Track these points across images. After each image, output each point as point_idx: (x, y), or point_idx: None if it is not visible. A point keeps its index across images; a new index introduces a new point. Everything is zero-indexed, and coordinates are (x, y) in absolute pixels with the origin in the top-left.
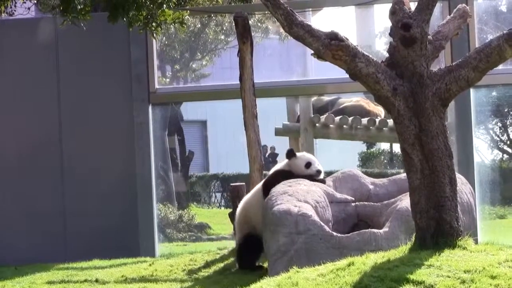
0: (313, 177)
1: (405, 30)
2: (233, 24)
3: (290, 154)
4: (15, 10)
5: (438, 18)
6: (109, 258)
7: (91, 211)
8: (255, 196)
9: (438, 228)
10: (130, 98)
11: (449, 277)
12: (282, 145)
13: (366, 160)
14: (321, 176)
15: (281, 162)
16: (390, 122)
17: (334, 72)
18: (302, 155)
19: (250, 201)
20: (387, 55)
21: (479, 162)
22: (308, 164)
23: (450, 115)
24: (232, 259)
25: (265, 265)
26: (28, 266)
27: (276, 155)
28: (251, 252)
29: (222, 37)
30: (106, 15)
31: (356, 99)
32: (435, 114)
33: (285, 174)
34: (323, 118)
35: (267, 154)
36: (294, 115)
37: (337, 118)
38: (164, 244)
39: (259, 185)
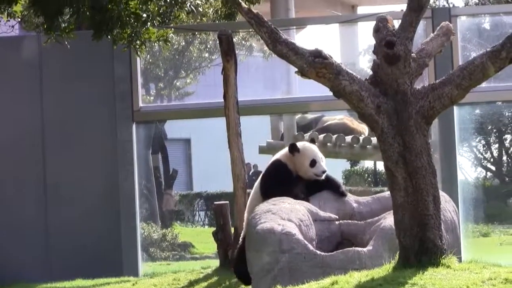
0: (316, 177)
1: (388, 47)
2: (217, 42)
3: (293, 148)
4: None
5: (421, 35)
6: (92, 277)
7: (74, 230)
8: (254, 195)
9: (421, 247)
10: (114, 116)
11: None
12: (265, 163)
13: (349, 178)
14: (323, 177)
15: (283, 151)
16: (374, 140)
17: (318, 89)
18: (306, 149)
19: (251, 202)
20: (371, 72)
21: (462, 180)
22: (313, 162)
23: (434, 133)
24: (216, 278)
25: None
26: (11, 286)
27: (260, 172)
28: None
29: (206, 55)
30: (90, 33)
31: (340, 117)
32: (419, 132)
33: (283, 170)
34: (307, 136)
35: (250, 172)
36: (278, 133)
37: (321, 136)
38: (147, 263)
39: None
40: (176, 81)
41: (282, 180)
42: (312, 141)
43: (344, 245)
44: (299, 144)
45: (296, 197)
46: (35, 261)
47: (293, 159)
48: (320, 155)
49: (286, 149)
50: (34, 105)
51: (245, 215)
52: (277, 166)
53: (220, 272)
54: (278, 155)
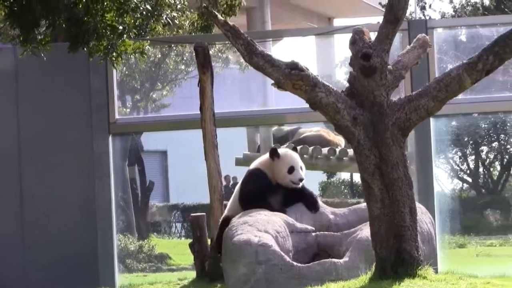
0: (293, 184)
1: (365, 60)
2: (194, 54)
3: (274, 153)
4: None
5: (398, 47)
6: None
7: (50, 241)
8: (232, 202)
9: (398, 258)
10: (90, 128)
11: None
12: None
13: (326, 190)
14: (300, 185)
15: (263, 157)
16: (351, 152)
17: (294, 102)
18: (286, 155)
19: (230, 209)
20: (347, 84)
21: (439, 191)
22: (291, 169)
23: (410, 145)
24: None
25: None
26: None
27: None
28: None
29: (183, 67)
30: (67, 45)
31: (316, 129)
32: (395, 144)
33: (262, 178)
34: (283, 148)
35: (230, 184)
36: (255, 145)
37: (298, 148)
38: (124, 275)
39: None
40: (152, 93)
41: (260, 188)
42: (294, 149)
43: (321, 257)
44: (280, 151)
45: (272, 207)
46: (13, 273)
47: (272, 165)
48: (299, 163)
49: (265, 157)
50: (10, 117)
51: (222, 217)
52: (256, 174)
53: (197, 283)
54: (257, 162)
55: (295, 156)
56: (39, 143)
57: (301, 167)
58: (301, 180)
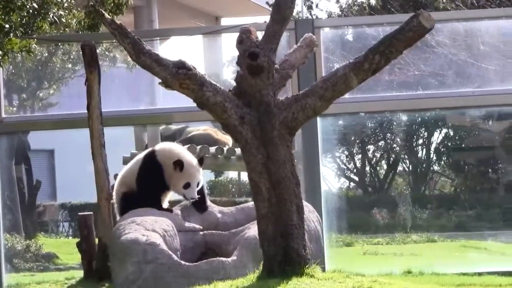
0: (185, 199)
1: (252, 59)
2: (81, 52)
3: (178, 165)
4: None
5: (285, 47)
6: None
7: None
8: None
9: (285, 256)
10: None
11: None
12: None
13: (214, 189)
14: (190, 202)
15: (163, 148)
16: (238, 150)
17: (182, 101)
18: (187, 170)
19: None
20: (234, 84)
21: (326, 190)
22: (187, 185)
23: (297, 144)
24: None
25: None
26: None
27: None
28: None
29: (70, 65)
30: None
31: (204, 127)
32: (282, 143)
33: (157, 174)
34: None
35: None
36: (142, 144)
37: (185, 147)
38: (11, 275)
39: (139, 158)
40: (39, 92)
41: (156, 187)
42: (201, 160)
43: (209, 255)
44: (186, 163)
45: (161, 207)
46: None
47: (172, 171)
48: (197, 179)
49: (168, 146)
50: None
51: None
52: (155, 168)
53: (84, 282)
54: (160, 150)
55: (196, 172)
56: None
57: (198, 183)
58: (193, 199)
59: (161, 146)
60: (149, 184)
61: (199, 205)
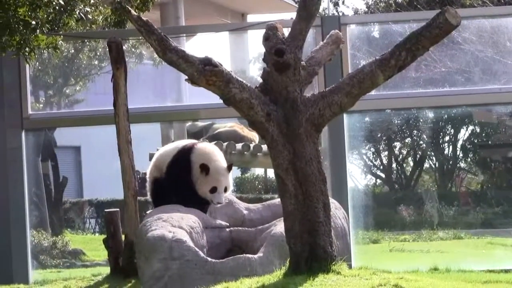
0: (211, 202)
1: (278, 56)
2: (107, 49)
3: (204, 169)
4: None
5: (311, 43)
6: None
7: None
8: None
9: (312, 253)
10: (3, 124)
11: None
12: None
13: (240, 185)
14: (217, 206)
15: (197, 146)
16: (264, 147)
17: (208, 97)
18: (213, 174)
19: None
20: (261, 80)
21: (352, 187)
22: (213, 190)
23: (324, 141)
24: (106, 285)
25: None
26: None
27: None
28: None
29: (96, 62)
30: None
31: (230, 124)
32: (309, 140)
33: (188, 180)
34: None
35: (138, 179)
36: (169, 140)
37: (212, 143)
38: (37, 271)
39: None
40: (65, 88)
41: (187, 181)
42: (230, 166)
43: (235, 252)
44: (211, 167)
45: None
46: None
47: (200, 174)
48: (223, 184)
49: (204, 148)
50: None
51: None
52: (184, 163)
53: (111, 279)
54: (197, 149)
55: (222, 177)
56: None
57: (226, 188)
58: (219, 203)
59: (199, 146)
60: (177, 179)
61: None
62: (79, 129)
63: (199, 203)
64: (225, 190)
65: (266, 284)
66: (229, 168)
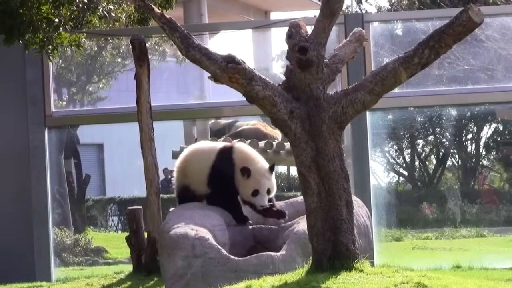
0: (254, 205)
1: (301, 53)
2: (130, 47)
3: (244, 171)
4: None
5: (334, 41)
6: (5, 282)
7: None
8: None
9: (334, 251)
10: (26, 121)
11: None
12: None
13: None
14: (262, 208)
15: (238, 149)
16: (287, 145)
17: (231, 95)
18: (255, 176)
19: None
20: (284, 78)
21: (375, 184)
22: (256, 193)
23: (347, 138)
24: (129, 283)
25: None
26: None
27: None
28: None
29: (119, 60)
30: (2, 38)
31: (253, 122)
32: (332, 137)
33: (230, 181)
34: (220, 141)
35: (169, 176)
36: (192, 138)
37: (234, 141)
38: (60, 269)
39: (213, 152)
40: (88, 86)
41: (228, 183)
42: (272, 167)
43: (257, 250)
44: (253, 169)
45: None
46: None
47: (239, 180)
48: (266, 186)
49: (244, 149)
50: None
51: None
52: (228, 166)
53: (133, 277)
54: (236, 149)
55: (264, 179)
56: None
57: (269, 190)
58: (262, 206)
59: (238, 146)
60: (223, 185)
61: (272, 213)
62: (102, 127)
63: (236, 209)
64: (268, 192)
65: (288, 282)
66: (271, 169)
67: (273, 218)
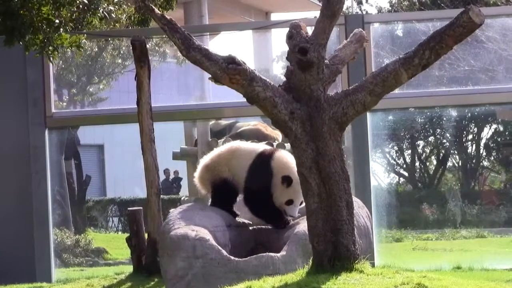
0: (284, 213)
1: (302, 54)
2: (131, 48)
3: (286, 180)
4: None
5: (334, 42)
6: (5, 283)
7: None
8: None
9: (335, 252)
10: (26, 122)
11: None
12: (182, 169)
13: None
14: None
15: (277, 155)
16: (288, 146)
17: (231, 96)
18: (293, 186)
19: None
20: (284, 79)
21: (375, 185)
22: (290, 202)
23: (347, 139)
24: (129, 283)
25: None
26: None
27: (180, 179)
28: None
29: (120, 61)
30: (2, 39)
31: (253, 123)
32: (332, 138)
33: (267, 190)
34: (220, 142)
35: (170, 178)
36: (192, 139)
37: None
38: (60, 269)
39: (253, 150)
40: (89, 87)
41: (266, 191)
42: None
43: (258, 251)
44: (295, 177)
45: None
46: None
47: (278, 183)
48: (301, 198)
49: (285, 156)
50: None
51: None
52: (266, 171)
53: (134, 278)
54: (277, 157)
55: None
56: None
57: (302, 201)
58: (292, 217)
59: (278, 153)
60: (259, 187)
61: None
62: (102, 128)
63: (273, 213)
64: (301, 203)
65: (289, 283)
66: None
67: (278, 229)
